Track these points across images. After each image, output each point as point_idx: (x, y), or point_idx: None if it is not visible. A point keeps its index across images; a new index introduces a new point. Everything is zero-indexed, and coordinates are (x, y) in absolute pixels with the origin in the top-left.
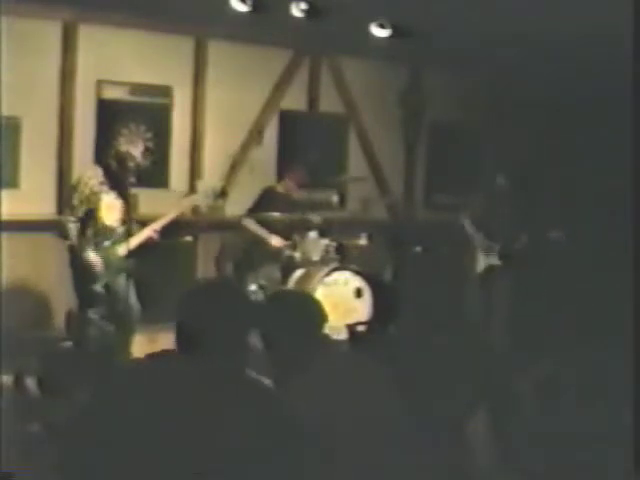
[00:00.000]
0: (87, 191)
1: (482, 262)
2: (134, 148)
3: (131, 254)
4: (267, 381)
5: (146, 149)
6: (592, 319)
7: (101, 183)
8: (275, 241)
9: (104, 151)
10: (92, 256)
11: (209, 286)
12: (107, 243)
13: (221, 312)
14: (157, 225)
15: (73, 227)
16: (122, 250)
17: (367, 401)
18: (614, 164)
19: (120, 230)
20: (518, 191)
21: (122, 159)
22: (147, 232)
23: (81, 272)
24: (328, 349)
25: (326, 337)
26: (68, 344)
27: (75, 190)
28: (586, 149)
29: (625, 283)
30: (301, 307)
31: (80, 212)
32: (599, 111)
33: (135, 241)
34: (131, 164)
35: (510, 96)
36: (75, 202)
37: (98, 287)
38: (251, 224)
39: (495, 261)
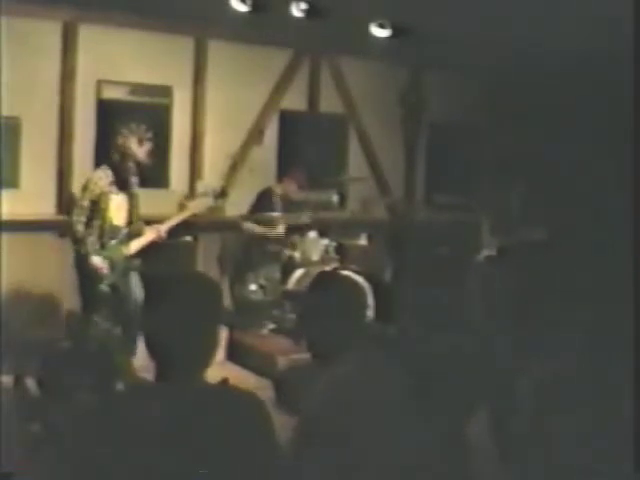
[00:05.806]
0: (97, 190)
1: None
2: (135, 147)
3: (135, 254)
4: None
5: (146, 149)
6: (592, 317)
7: (111, 183)
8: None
9: (104, 151)
10: (96, 260)
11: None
12: (113, 242)
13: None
14: (165, 226)
15: (82, 227)
16: (127, 250)
17: (371, 398)
18: (614, 164)
19: (126, 230)
20: (520, 189)
21: (126, 156)
22: (154, 233)
23: (87, 273)
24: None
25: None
26: (68, 344)
27: (85, 190)
28: (586, 149)
29: (626, 281)
30: (347, 290)
31: (88, 212)
32: (599, 111)
33: (142, 242)
34: (131, 164)
35: (510, 96)
36: (85, 202)
37: (104, 287)
38: (249, 226)
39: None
